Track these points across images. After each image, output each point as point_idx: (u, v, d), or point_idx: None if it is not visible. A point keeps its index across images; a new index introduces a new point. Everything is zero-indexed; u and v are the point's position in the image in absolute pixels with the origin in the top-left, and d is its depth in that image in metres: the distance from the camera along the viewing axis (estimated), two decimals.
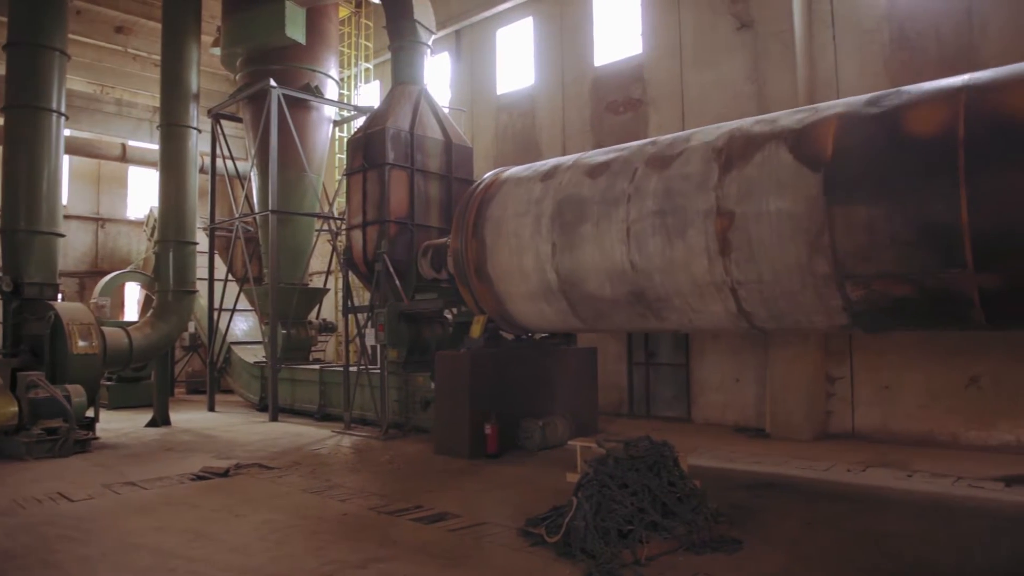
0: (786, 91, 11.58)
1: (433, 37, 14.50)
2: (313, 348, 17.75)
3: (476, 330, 10.61)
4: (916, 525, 6.52)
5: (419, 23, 13.80)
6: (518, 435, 10.45)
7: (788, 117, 7.62)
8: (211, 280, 17.10)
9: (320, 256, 20.34)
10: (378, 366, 12.78)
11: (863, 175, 6.57)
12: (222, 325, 17.37)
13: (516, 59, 17.34)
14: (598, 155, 9.45)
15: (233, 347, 17.82)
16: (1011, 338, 9.74)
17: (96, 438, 11.48)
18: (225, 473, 9.12)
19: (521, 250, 9.65)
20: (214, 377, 17.17)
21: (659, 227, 8.04)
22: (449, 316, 12.98)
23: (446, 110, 14.91)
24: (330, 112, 17.32)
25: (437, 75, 18.83)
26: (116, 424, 13.99)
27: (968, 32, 10.57)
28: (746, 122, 8.03)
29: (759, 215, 7.21)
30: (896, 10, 11.24)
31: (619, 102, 14.88)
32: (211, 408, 16.32)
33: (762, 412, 12.09)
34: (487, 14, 17.56)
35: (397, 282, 12.36)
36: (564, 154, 14.68)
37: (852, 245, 6.66)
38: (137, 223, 23.74)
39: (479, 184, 10.98)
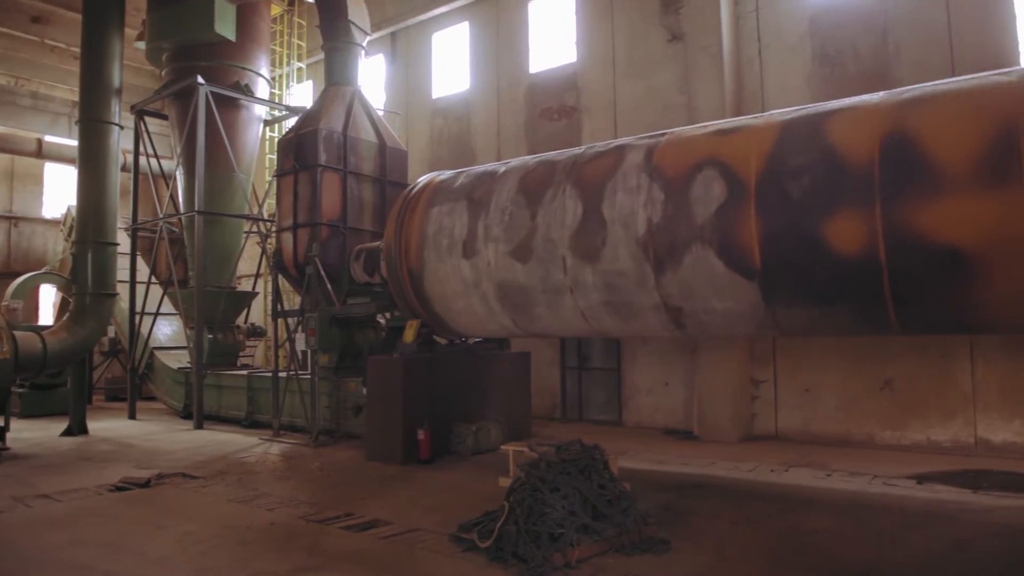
0: (714, 103, 11.92)
1: (368, 39, 14.35)
2: (241, 353, 17.28)
3: (409, 335, 10.53)
4: (835, 522, 6.78)
5: (353, 24, 13.64)
6: (451, 440, 10.42)
7: (702, 207, 7.27)
8: (132, 283, 16.47)
9: (249, 259, 19.84)
10: (308, 371, 12.54)
11: (796, 286, 6.90)
12: (144, 329, 16.74)
13: (452, 63, 17.33)
14: (517, 211, 9.04)
15: (156, 352, 17.18)
16: (921, 343, 10.26)
17: (6, 448, 10.90)
18: (146, 483, 8.78)
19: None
20: (135, 384, 16.52)
21: (612, 312, 8.33)
22: (382, 320, 12.86)
23: (380, 113, 14.78)
24: (261, 111, 16.93)
25: (372, 77, 18.64)
26: (28, 433, 13.30)
27: (883, 51, 11.11)
28: (655, 207, 7.63)
29: (707, 310, 7.59)
30: (818, 28, 11.72)
31: (553, 109, 15.04)
32: (132, 416, 15.70)
33: (691, 415, 12.38)
34: (423, 17, 17.49)
35: (328, 286, 12.16)
36: (499, 158, 14.75)
37: (794, 326, 7.39)
38: (54, 222, 22.65)
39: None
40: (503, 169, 9.79)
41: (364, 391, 11.11)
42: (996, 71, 6.47)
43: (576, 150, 9.17)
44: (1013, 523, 6.59)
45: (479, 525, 6.08)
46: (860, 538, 6.29)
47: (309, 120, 13.03)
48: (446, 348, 11.34)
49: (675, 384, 12.83)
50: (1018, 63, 9.99)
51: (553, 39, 15.44)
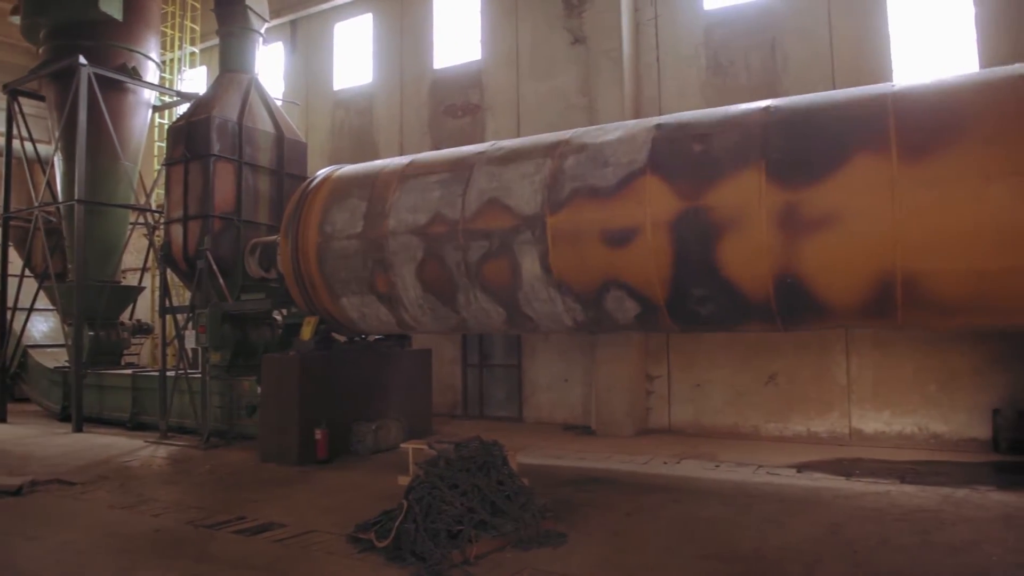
0: (614, 106, 12.22)
1: (266, 25, 13.90)
2: (126, 352, 16.32)
3: (307, 332, 10.28)
4: (723, 510, 7.11)
5: (251, 9, 13.16)
6: (350, 439, 10.24)
7: (621, 314, 8.08)
8: (3, 275, 15.29)
9: (135, 251, 18.80)
10: (199, 370, 12.02)
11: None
12: (17, 326, 15.57)
13: (355, 55, 16.99)
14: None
15: (30, 351, 16.02)
16: (802, 340, 10.89)
17: None
18: (17, 491, 8.17)
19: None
20: (6, 384, 15.35)
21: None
22: (278, 317, 12.48)
23: (279, 103, 14.34)
24: (150, 96, 16.05)
25: (270, 66, 18.04)
26: None
27: (772, 64, 11.71)
28: (576, 312, 8.32)
29: None
30: (712, 39, 12.22)
31: (458, 106, 15.02)
32: (2, 419, 14.58)
33: (589, 410, 12.67)
34: (325, 7, 17.07)
35: (221, 281, 11.70)
36: (402, 154, 14.58)
37: None
38: None
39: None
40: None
41: (259, 390, 10.75)
42: None
43: (455, 207, 8.76)
44: (881, 507, 7.10)
45: (377, 525, 6.01)
46: (745, 524, 6.62)
47: (202, 107, 12.49)
48: (345, 346, 11.13)
49: (574, 380, 13.09)
50: (891, 78, 10.74)
51: (458, 36, 15.41)
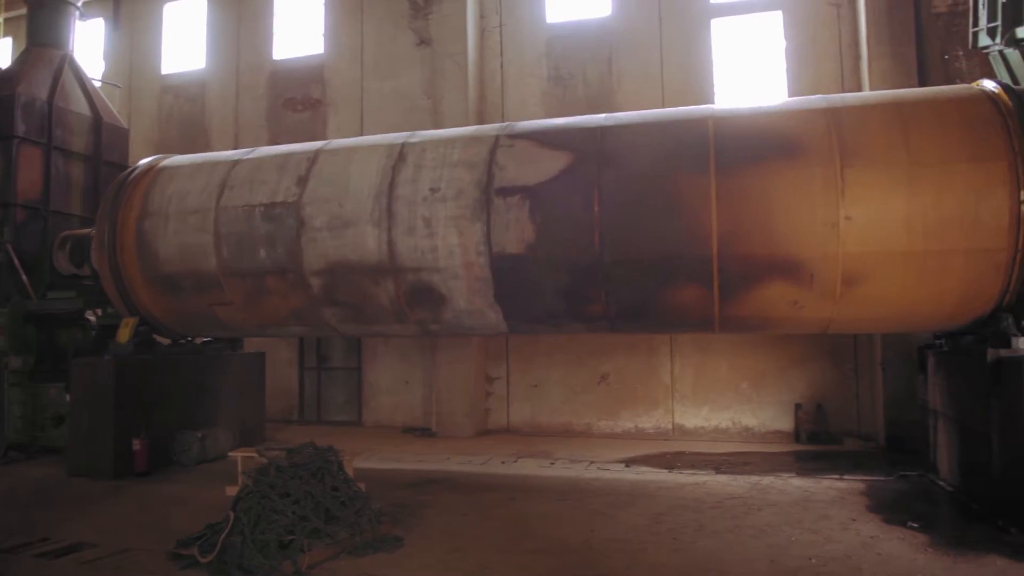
0: (458, 110, 12.33)
1: None
2: None
3: (124, 334, 9.51)
4: (556, 506, 7.37)
5: None
6: (174, 449, 9.58)
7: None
8: None
9: None
10: None
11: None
12: None
13: (186, 37, 15.90)
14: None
15: None
16: (632, 341, 11.53)
17: None
18: None
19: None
20: None
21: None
22: (92, 318, 11.43)
23: (97, 84, 13.16)
24: None
25: (89, 43, 16.48)
26: None
27: (608, 79, 12.31)
28: None
29: None
30: (553, 51, 12.65)
31: (298, 100, 14.51)
32: None
33: (429, 412, 12.67)
34: None
35: (24, 277, 10.55)
36: (238, 146, 13.87)
37: None
38: None
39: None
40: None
41: (68, 398, 9.79)
42: None
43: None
44: (699, 496, 7.67)
45: (201, 539, 5.67)
46: (576, 519, 6.90)
47: (4, 83, 11.20)
48: (169, 348, 10.42)
49: (415, 382, 13.04)
50: (713, 100, 11.64)
51: (300, 27, 14.88)
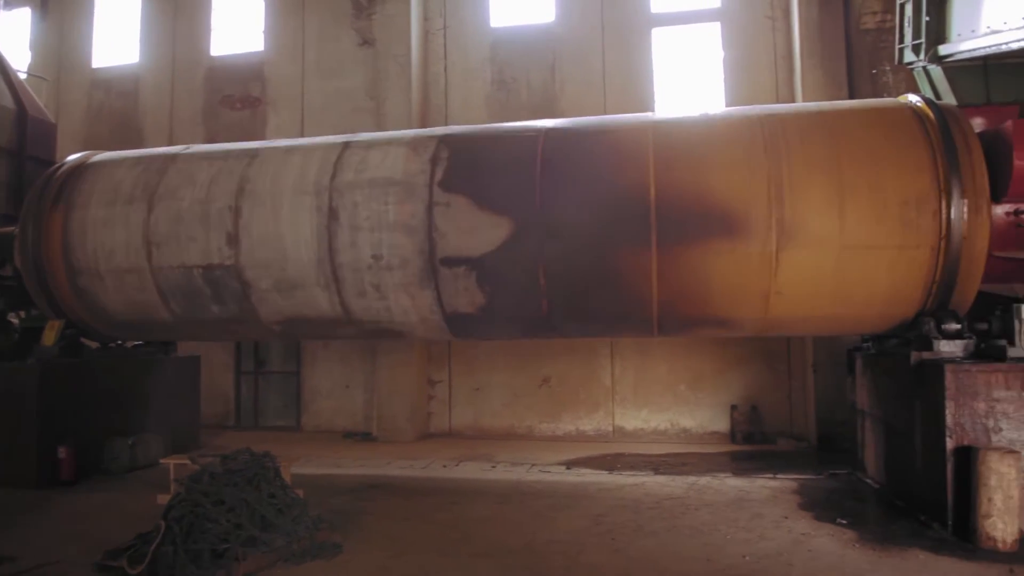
0: (401, 112, 12.24)
1: None
2: None
3: (50, 337, 9.13)
4: (498, 509, 7.38)
5: None
6: (103, 457, 9.24)
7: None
8: None
9: None
10: None
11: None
12: None
13: (119, 30, 15.35)
14: None
15: None
16: (573, 345, 11.63)
17: None
18: None
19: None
20: None
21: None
22: (15, 321, 10.91)
23: (23, 76, 12.59)
24: None
25: (12, 33, 15.75)
26: None
27: (552, 85, 12.41)
28: None
29: None
30: (497, 55, 12.68)
31: (236, 97, 14.17)
32: None
33: (370, 417, 12.52)
34: None
35: None
36: (171, 143, 13.46)
37: None
38: None
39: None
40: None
41: None
42: None
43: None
44: (637, 497, 7.78)
45: (131, 550, 5.49)
46: (518, 521, 6.93)
47: None
48: (98, 352, 10.04)
49: (356, 386, 12.87)
50: (653, 108, 11.86)
51: (239, 23, 14.55)
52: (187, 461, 6.55)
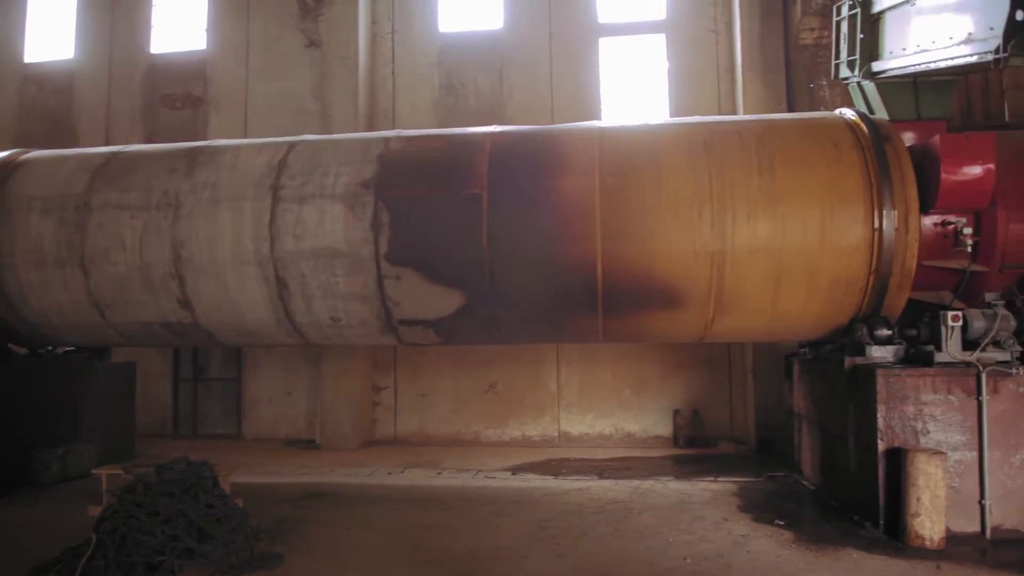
0: (348, 115, 12.10)
1: None
2: None
3: None
4: (443, 516, 7.35)
5: None
6: (31, 468, 8.87)
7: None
8: None
9: None
10: None
11: None
12: None
13: (53, 25, 14.79)
14: None
15: None
16: (519, 350, 11.66)
17: None
18: None
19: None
20: None
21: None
22: None
23: None
24: None
25: None
26: None
27: (500, 91, 12.45)
28: None
29: None
30: (445, 59, 12.66)
31: (177, 97, 13.81)
32: None
33: (313, 424, 12.31)
34: None
35: None
36: (108, 143, 13.03)
37: None
38: None
39: None
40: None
41: None
42: None
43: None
44: (582, 501, 7.84)
45: (59, 564, 5.29)
46: (463, 528, 6.91)
47: None
48: (26, 358, 9.64)
49: (298, 393, 12.64)
50: (600, 116, 12.01)
51: (181, 20, 14.17)
52: (121, 471, 6.36)
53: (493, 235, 7.47)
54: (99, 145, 12.54)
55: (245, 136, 12.62)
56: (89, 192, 8.39)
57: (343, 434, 11.72)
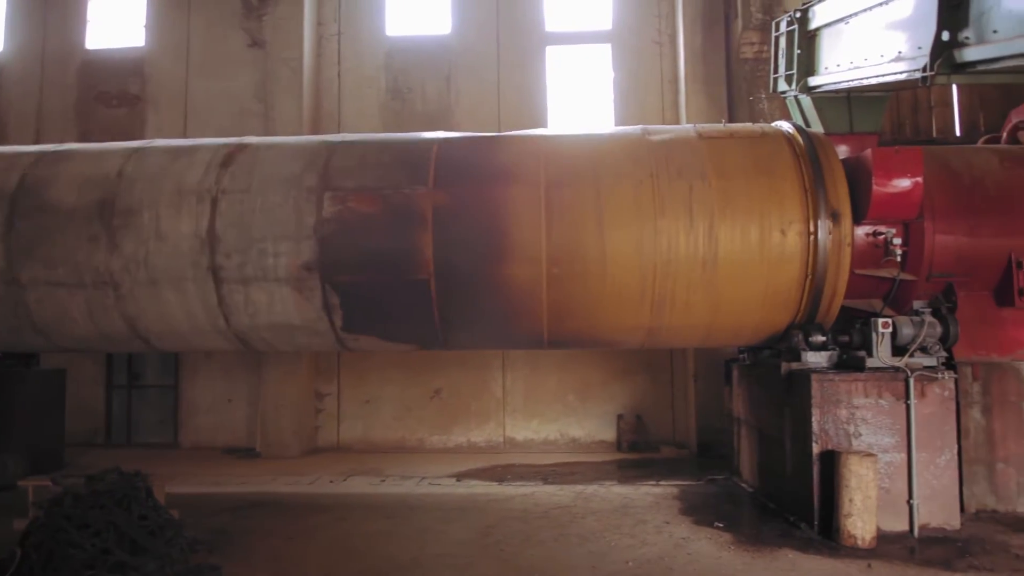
0: (292, 117, 11.92)
1: None
2: None
3: None
4: (386, 524, 7.26)
5: None
6: None
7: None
8: None
9: None
10: None
11: None
12: None
13: None
14: None
15: None
16: (464, 357, 11.64)
17: None
18: None
19: None
20: None
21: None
22: None
23: None
24: None
25: None
26: None
27: (447, 96, 12.44)
28: None
29: None
30: (392, 63, 12.59)
31: (113, 94, 13.37)
32: None
33: (254, 432, 12.02)
34: None
35: None
36: (40, 142, 12.54)
37: None
38: None
39: None
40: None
41: None
42: None
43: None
44: (527, 507, 7.86)
45: None
46: (406, 536, 6.84)
47: None
48: None
49: (239, 400, 12.34)
50: (547, 124, 12.11)
51: (118, 16, 13.73)
52: (48, 482, 6.10)
53: (443, 317, 7.74)
54: (29, 142, 12.09)
55: (185, 135, 12.31)
56: (8, 267, 7.90)
57: (284, 442, 11.49)
